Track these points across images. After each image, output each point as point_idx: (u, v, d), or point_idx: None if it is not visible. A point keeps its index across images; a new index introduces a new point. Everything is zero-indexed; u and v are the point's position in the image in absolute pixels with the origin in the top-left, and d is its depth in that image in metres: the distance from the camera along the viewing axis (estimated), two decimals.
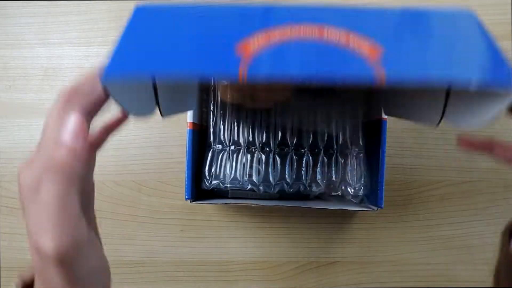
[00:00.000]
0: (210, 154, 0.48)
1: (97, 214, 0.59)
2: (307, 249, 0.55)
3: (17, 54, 0.57)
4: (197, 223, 0.55)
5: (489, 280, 0.32)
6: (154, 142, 0.56)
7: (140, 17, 0.22)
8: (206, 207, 0.55)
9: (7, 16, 0.57)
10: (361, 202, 0.48)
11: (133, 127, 0.56)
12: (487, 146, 0.28)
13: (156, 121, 0.56)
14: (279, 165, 0.48)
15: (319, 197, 0.50)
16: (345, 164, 0.48)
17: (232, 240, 0.55)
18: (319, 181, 0.48)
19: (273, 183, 0.47)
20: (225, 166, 0.48)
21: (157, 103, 0.28)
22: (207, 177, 0.47)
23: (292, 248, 0.55)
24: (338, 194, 0.48)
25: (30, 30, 0.57)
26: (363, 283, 0.54)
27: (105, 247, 0.58)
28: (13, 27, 0.57)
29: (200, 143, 0.49)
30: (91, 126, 0.23)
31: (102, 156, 0.30)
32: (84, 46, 0.57)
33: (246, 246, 0.55)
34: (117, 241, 0.54)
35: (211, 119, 0.49)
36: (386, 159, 0.44)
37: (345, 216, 0.55)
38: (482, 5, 0.56)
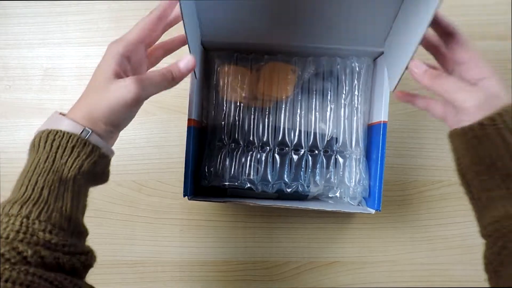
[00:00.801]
0: (209, 152, 0.48)
1: (97, 214, 0.58)
2: (307, 249, 0.55)
3: (17, 54, 0.57)
4: (197, 223, 0.55)
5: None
6: (154, 142, 0.56)
7: None
8: (206, 207, 0.55)
9: (7, 16, 0.57)
10: (359, 204, 0.48)
11: (133, 127, 0.56)
12: (412, 97, 0.40)
13: (156, 121, 0.56)
14: (278, 164, 0.48)
15: (317, 198, 0.50)
16: (344, 165, 0.48)
17: (232, 240, 0.55)
18: (317, 182, 0.48)
19: (272, 183, 0.47)
20: (224, 165, 0.47)
21: None
22: (206, 175, 0.47)
23: (292, 248, 0.55)
24: (336, 195, 0.48)
25: (30, 30, 0.57)
26: (363, 283, 0.54)
27: (105, 247, 0.57)
28: (13, 27, 0.57)
29: (200, 141, 0.49)
30: None
31: None
32: (84, 46, 0.57)
33: (246, 246, 0.55)
34: (117, 241, 0.54)
35: (212, 117, 0.48)
36: (386, 159, 0.44)
37: (345, 216, 0.55)
38: (482, 5, 0.56)
